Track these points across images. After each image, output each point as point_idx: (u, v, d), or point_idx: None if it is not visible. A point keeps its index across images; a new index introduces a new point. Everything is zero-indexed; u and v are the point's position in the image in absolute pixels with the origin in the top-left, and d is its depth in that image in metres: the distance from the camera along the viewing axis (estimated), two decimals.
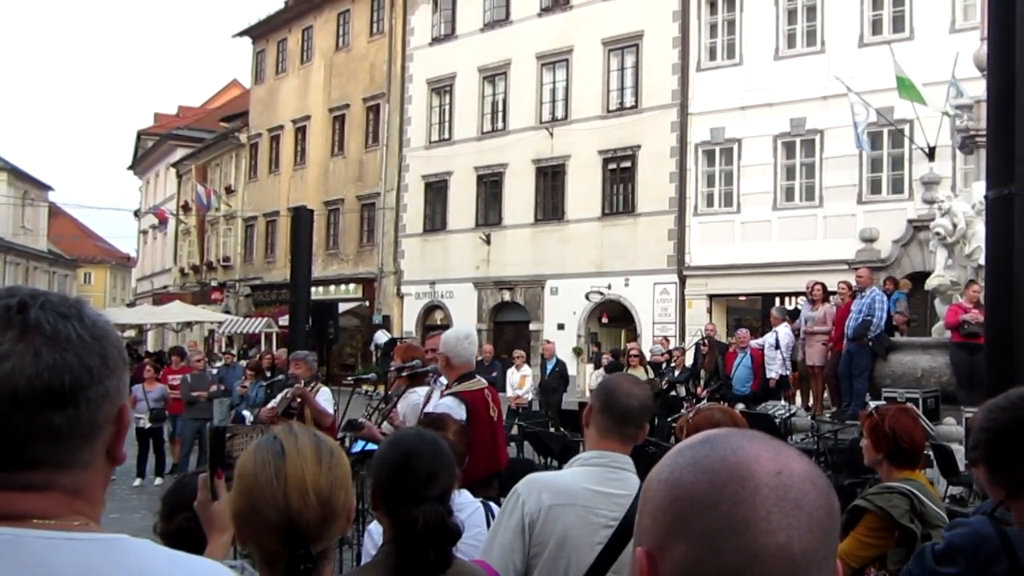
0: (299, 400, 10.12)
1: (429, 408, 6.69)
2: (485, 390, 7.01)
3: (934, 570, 3.12)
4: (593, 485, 3.52)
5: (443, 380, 7.48)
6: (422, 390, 7.88)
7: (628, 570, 3.44)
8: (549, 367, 23.41)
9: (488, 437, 6.84)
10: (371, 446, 7.69)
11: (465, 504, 4.18)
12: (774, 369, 17.96)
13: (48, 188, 79.47)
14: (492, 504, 4.59)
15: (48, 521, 1.37)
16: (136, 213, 69.64)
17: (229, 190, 51.00)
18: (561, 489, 3.56)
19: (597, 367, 23.15)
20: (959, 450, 11.74)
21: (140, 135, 71.68)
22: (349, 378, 20.12)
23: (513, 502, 3.54)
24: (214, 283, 51.56)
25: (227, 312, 47.43)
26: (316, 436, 2.37)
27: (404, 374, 8.07)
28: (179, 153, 59.69)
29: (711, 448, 1.23)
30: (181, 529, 3.06)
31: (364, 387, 16.95)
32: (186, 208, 55.46)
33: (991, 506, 3.14)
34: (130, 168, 74.52)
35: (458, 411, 6.55)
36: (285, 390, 10.51)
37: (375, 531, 3.92)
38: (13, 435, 1.35)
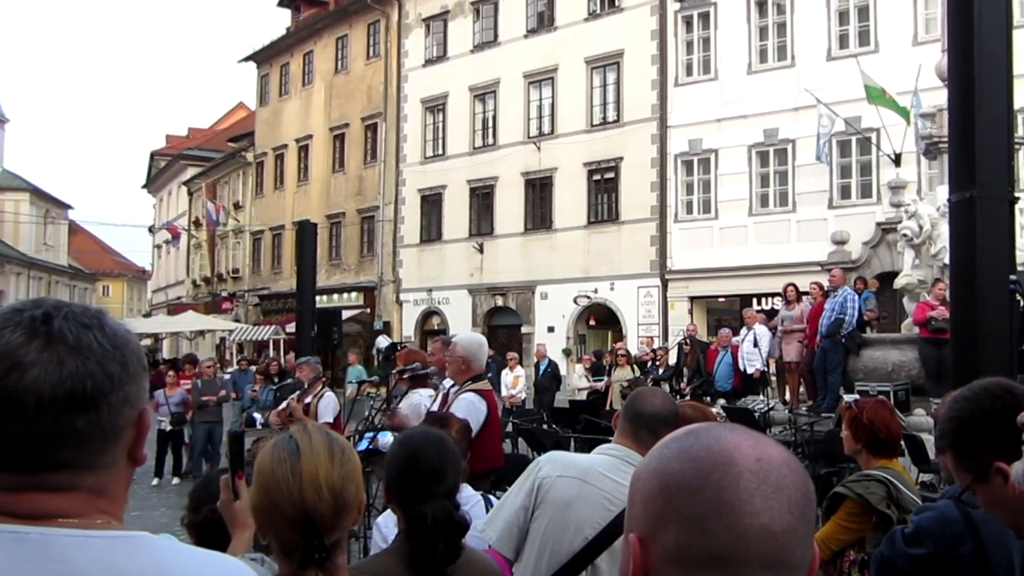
0: (306, 403, 10.13)
1: (457, 404, 6.64)
2: (492, 391, 7.04)
3: (904, 551, 3.12)
4: (605, 470, 3.61)
5: (446, 383, 7.45)
6: (424, 391, 7.87)
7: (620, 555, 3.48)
8: (542, 368, 23.58)
9: (497, 433, 6.86)
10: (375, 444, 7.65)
11: (467, 497, 4.17)
12: (754, 365, 17.96)
13: (68, 207, 79.36)
14: (492, 497, 4.66)
15: (72, 520, 1.39)
16: (150, 229, 69.64)
17: (237, 206, 51.02)
18: (577, 465, 3.68)
19: (595, 373, 23.16)
20: (929, 440, 11.70)
21: (153, 156, 71.83)
22: (354, 381, 20.05)
23: (530, 468, 3.69)
24: (224, 293, 51.57)
25: (237, 321, 47.46)
26: (329, 435, 2.42)
27: (406, 376, 8.06)
28: (190, 172, 59.69)
29: (695, 439, 1.25)
30: (207, 520, 3.11)
31: (366, 389, 16.91)
32: (197, 223, 55.48)
33: (958, 490, 3.13)
34: (144, 187, 74.59)
35: (480, 407, 6.61)
36: (293, 394, 10.52)
37: (382, 524, 4.03)
38: (39, 439, 1.37)
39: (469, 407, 6.55)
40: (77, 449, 1.39)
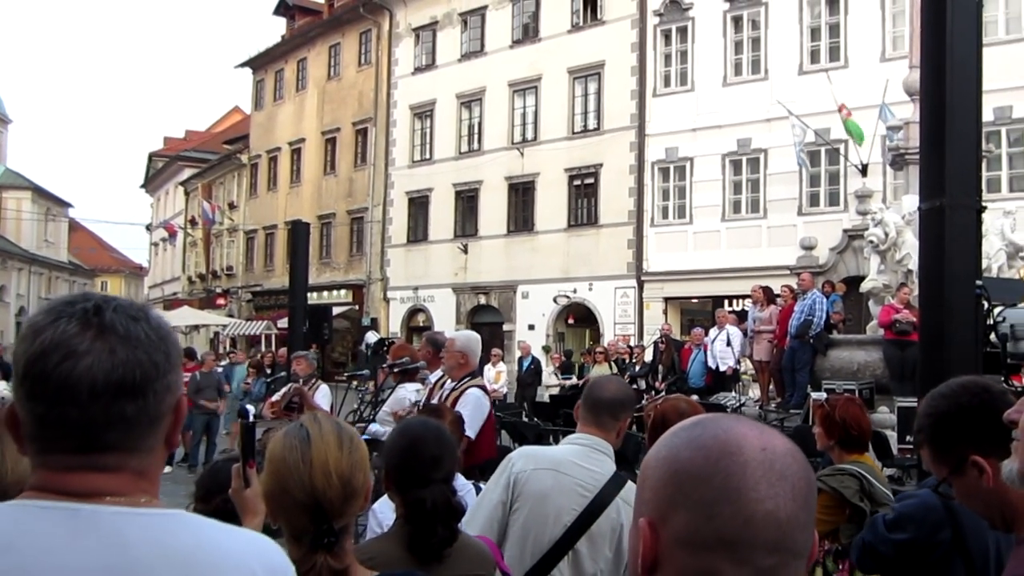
0: (299, 396, 10.09)
1: (465, 399, 6.63)
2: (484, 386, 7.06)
3: (886, 537, 3.14)
4: (576, 459, 3.65)
5: (432, 377, 7.45)
6: (411, 386, 7.86)
7: (601, 540, 3.51)
8: (525, 364, 23.67)
9: (491, 427, 6.88)
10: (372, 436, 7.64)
11: (460, 486, 4.17)
12: (723, 363, 18.03)
13: (68, 205, 78.98)
14: (482, 485, 4.60)
15: (119, 498, 1.44)
16: (148, 227, 69.23)
17: (232, 206, 50.86)
18: (548, 457, 3.73)
19: (564, 371, 23.24)
20: (892, 436, 11.77)
21: (151, 157, 71.41)
22: (344, 374, 20.02)
23: (505, 464, 3.71)
24: (219, 290, 51.36)
25: (231, 316, 47.32)
26: (338, 424, 2.45)
27: (396, 370, 8.05)
28: (186, 173, 59.40)
29: (703, 429, 1.26)
30: (218, 509, 3.05)
31: (356, 383, 16.86)
32: (193, 222, 55.21)
33: (935, 482, 3.17)
34: (142, 187, 74.17)
35: (486, 402, 6.62)
36: (288, 385, 10.47)
37: (378, 510, 4.03)
38: (91, 423, 1.41)
39: (477, 402, 6.61)
40: (125, 433, 1.44)
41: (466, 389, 6.74)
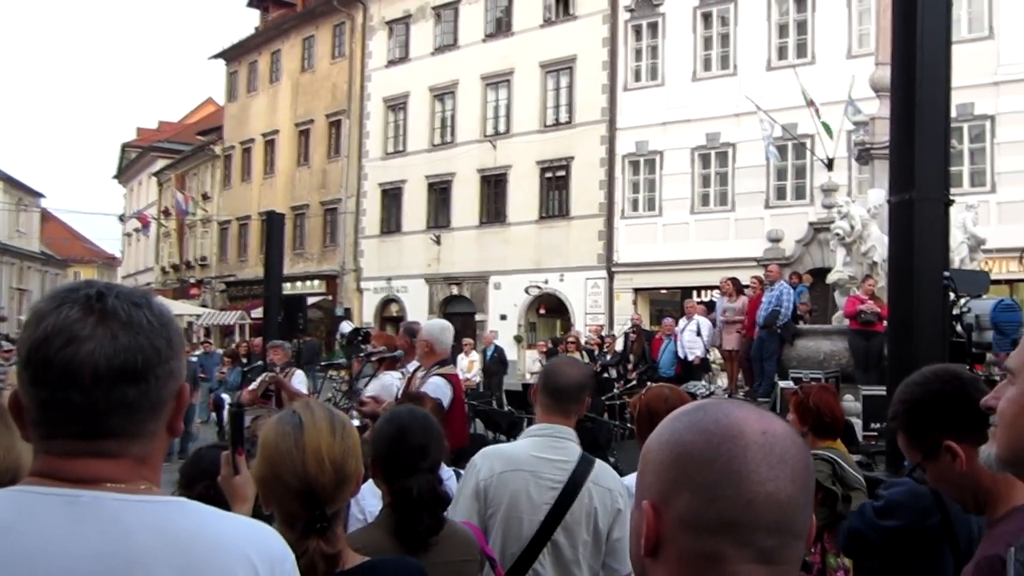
0: (276, 384, 10.08)
1: (424, 387, 6.65)
2: (456, 375, 7.05)
3: (876, 523, 3.17)
4: (539, 453, 3.59)
5: (410, 367, 7.46)
6: (394, 373, 7.86)
7: (577, 527, 3.52)
8: (489, 353, 23.86)
9: (462, 415, 6.87)
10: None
11: (443, 474, 4.16)
12: (693, 352, 18.10)
13: (40, 195, 77.89)
14: (462, 471, 4.60)
15: (120, 485, 1.43)
16: (121, 218, 68.57)
17: (205, 197, 50.47)
18: (511, 457, 3.63)
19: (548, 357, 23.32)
20: (858, 423, 11.84)
21: (124, 147, 70.70)
22: (321, 363, 19.98)
23: (469, 471, 3.63)
24: (192, 280, 51.05)
25: (204, 306, 47.00)
26: (330, 411, 2.44)
27: (374, 359, 8.05)
28: (160, 163, 58.84)
29: (704, 414, 1.26)
30: (202, 496, 3.03)
31: (331, 372, 16.86)
32: (166, 213, 54.78)
33: (910, 466, 3.22)
34: (115, 177, 73.40)
35: (446, 390, 6.62)
36: (263, 374, 10.44)
37: (359, 496, 3.94)
38: (93, 408, 1.40)
39: (436, 390, 6.59)
40: (127, 419, 1.43)
41: (429, 377, 6.77)
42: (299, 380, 10.36)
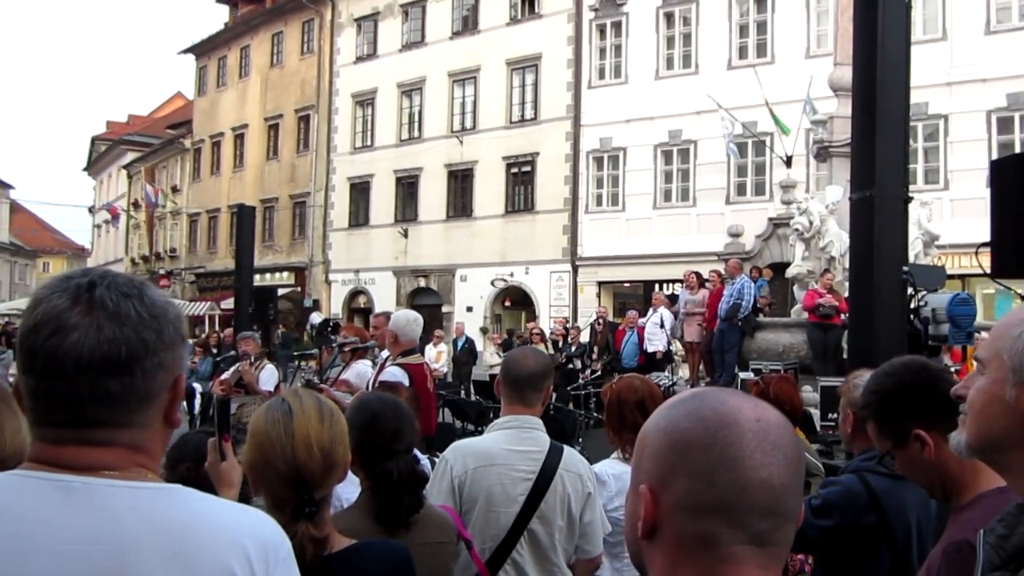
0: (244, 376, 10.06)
1: (381, 376, 6.68)
2: (424, 365, 7.04)
3: (812, 523, 3.20)
4: (509, 445, 3.57)
5: (381, 355, 7.48)
6: (365, 362, 7.89)
7: (552, 514, 3.53)
8: (459, 344, 23.85)
9: (425, 404, 6.86)
10: None
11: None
12: (655, 344, 18.18)
13: (9, 187, 77.22)
14: (435, 459, 4.61)
15: (113, 472, 1.41)
16: (91, 209, 68.04)
17: (175, 189, 50.11)
18: (482, 452, 3.60)
19: (505, 349, 23.30)
20: (816, 413, 11.94)
21: (94, 140, 70.02)
22: (294, 353, 19.90)
23: (442, 468, 3.58)
24: (162, 271, 50.60)
25: (174, 297, 46.62)
26: (318, 399, 2.44)
27: (347, 349, 8.07)
28: (129, 156, 58.28)
29: (700, 401, 1.29)
30: (184, 477, 3.00)
31: (300, 361, 16.82)
32: (136, 205, 54.31)
33: (859, 461, 3.31)
34: (85, 170, 72.65)
35: (401, 378, 6.57)
36: (237, 364, 10.41)
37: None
38: (77, 397, 1.39)
39: (390, 378, 6.62)
40: (111, 408, 1.41)
41: (386, 366, 6.85)
42: (270, 372, 10.32)
